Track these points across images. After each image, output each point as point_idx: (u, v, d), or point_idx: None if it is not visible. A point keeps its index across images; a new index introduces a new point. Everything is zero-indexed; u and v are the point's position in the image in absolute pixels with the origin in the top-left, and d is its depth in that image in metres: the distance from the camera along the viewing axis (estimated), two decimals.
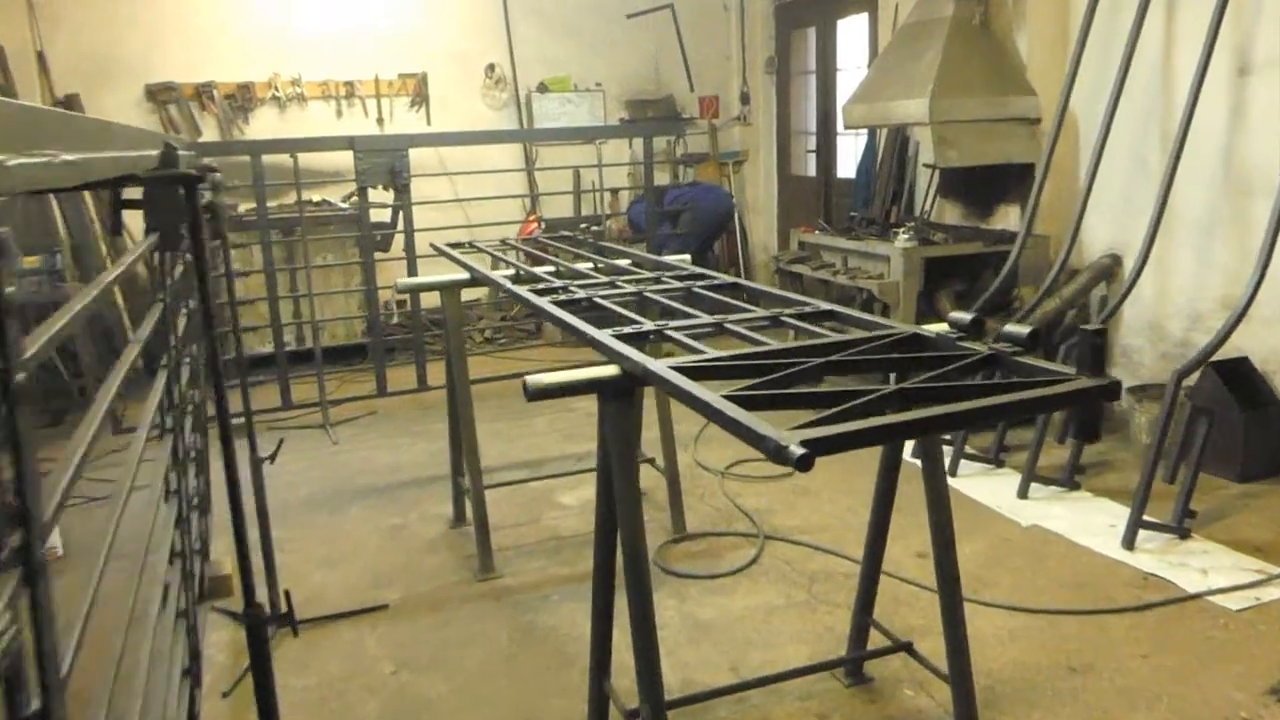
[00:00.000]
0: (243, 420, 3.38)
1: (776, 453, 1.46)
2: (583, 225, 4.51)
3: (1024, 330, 1.89)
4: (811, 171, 8.29)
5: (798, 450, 1.42)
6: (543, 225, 7.50)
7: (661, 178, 8.36)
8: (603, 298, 2.80)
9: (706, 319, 2.42)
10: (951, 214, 6.02)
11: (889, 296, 4.94)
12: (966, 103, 4.97)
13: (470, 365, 3.78)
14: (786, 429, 1.50)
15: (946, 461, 4.46)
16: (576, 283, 3.12)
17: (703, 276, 3.13)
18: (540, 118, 8.15)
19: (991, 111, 5.04)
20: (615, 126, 8.18)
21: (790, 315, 2.43)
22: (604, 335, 2.25)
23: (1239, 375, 4.27)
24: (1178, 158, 4.14)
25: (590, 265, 3.71)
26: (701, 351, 2.09)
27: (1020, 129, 5.15)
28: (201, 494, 3.48)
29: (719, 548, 3.85)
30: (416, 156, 7.19)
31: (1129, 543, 3.62)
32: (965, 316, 2.06)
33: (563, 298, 2.83)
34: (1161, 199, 4.17)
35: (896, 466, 2.60)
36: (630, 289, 2.94)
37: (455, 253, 4.03)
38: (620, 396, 2.09)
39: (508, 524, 4.12)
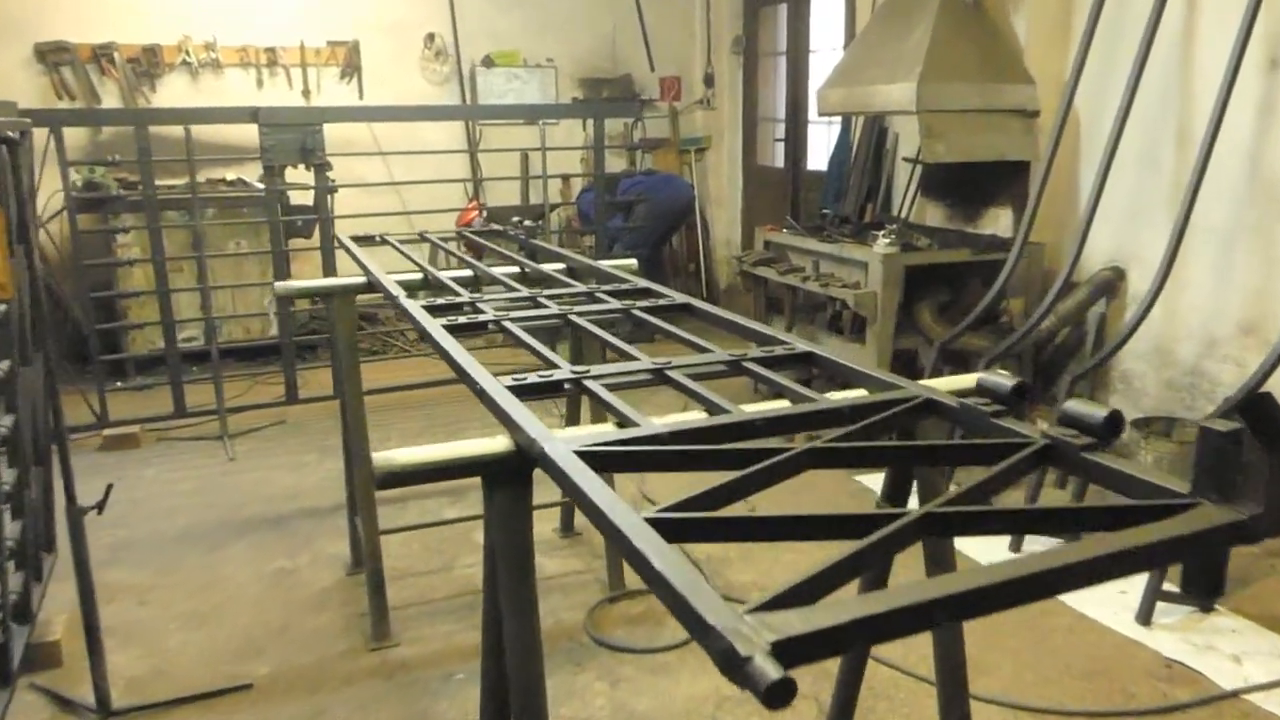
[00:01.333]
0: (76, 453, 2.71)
1: (727, 662, 0.84)
2: (515, 219, 3.86)
3: (1098, 412, 1.29)
4: (779, 162, 7.69)
5: (769, 670, 0.80)
6: (484, 214, 6.83)
7: (617, 164, 7.71)
8: (515, 321, 2.17)
9: (644, 364, 1.79)
10: (934, 215, 5.45)
11: (866, 309, 4.35)
12: (958, 90, 4.39)
13: (397, 368, 3.14)
14: (748, 610, 0.88)
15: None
16: (490, 296, 2.49)
17: (648, 293, 2.50)
18: (485, 94, 7.46)
19: (985, 101, 4.46)
20: (566, 106, 7.51)
21: (756, 360, 1.81)
22: (496, 387, 1.62)
23: (1259, 413, 3.73)
24: (1206, 160, 3.58)
25: (517, 270, 3.07)
26: (630, 422, 1.47)
27: (1015, 122, 4.58)
28: (19, 543, 2.80)
29: (662, 610, 3.22)
30: (348, 134, 6.50)
31: (1145, 617, 3.07)
32: (1003, 381, 1.45)
33: (463, 320, 2.19)
34: (1187, 206, 3.62)
35: None
36: (555, 309, 2.31)
37: (359, 249, 3.35)
38: (511, 482, 1.46)
39: (414, 571, 3.47)
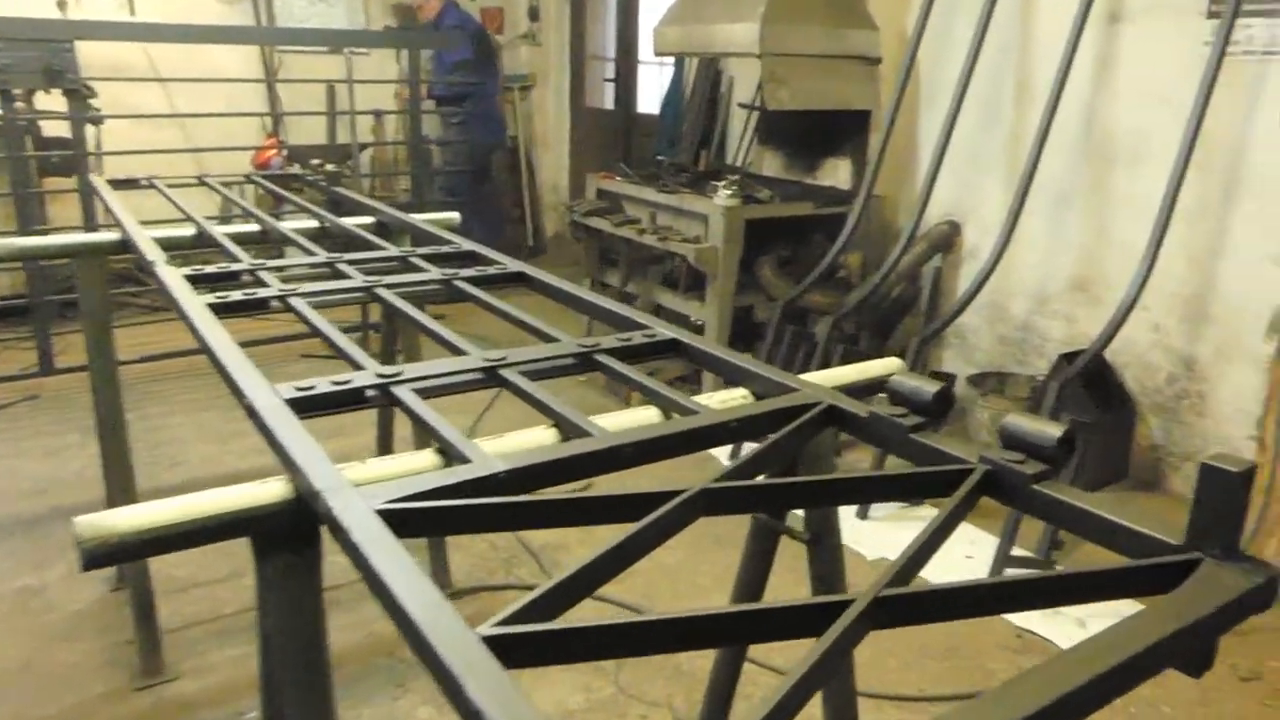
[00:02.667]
0: None
1: None
2: (315, 162, 3.32)
3: (1049, 431, 1.03)
4: (610, 104, 7.31)
5: None
6: (285, 153, 6.10)
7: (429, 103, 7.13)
8: (307, 296, 1.73)
9: (473, 360, 1.41)
10: (771, 165, 5.25)
11: (707, 264, 4.09)
12: (802, 33, 4.14)
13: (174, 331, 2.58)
14: None
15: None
16: (278, 263, 2.01)
17: (474, 258, 2.11)
18: (284, 18, 6.64)
19: (829, 46, 4.24)
20: (376, 33, 6.80)
21: (610, 352, 1.47)
22: (270, 403, 1.20)
23: (1091, 370, 3.77)
24: (1052, 115, 3.50)
25: (315, 225, 2.58)
26: (455, 454, 1.09)
27: (858, 69, 4.40)
28: None
29: (496, 608, 2.87)
30: (119, 56, 5.60)
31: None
32: (922, 385, 1.17)
33: (238, 296, 1.72)
34: (1032, 162, 3.54)
35: (775, 537, 1.67)
36: (359, 280, 1.87)
37: (113, 197, 2.74)
38: (290, 546, 1.06)
39: (196, 581, 2.95)
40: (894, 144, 4.56)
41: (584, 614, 0.74)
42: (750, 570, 1.61)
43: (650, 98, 6.81)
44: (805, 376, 1.39)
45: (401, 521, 0.91)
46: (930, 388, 1.17)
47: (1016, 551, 3.10)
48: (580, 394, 4.74)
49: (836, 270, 4.63)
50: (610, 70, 7.23)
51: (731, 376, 1.41)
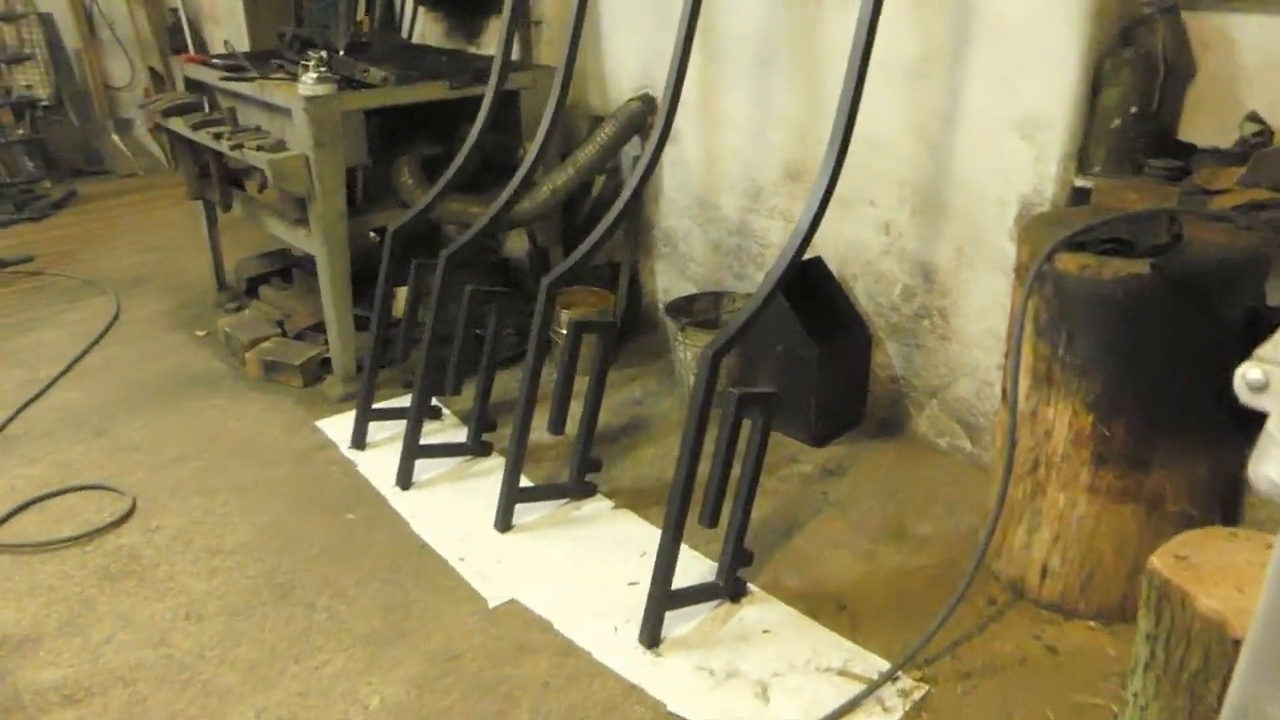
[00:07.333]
0: None
1: None
2: None
3: None
4: None
5: None
6: None
7: None
8: None
9: None
10: (434, 32, 4.02)
11: (292, 181, 2.88)
12: None
13: None
14: None
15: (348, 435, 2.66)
16: None
17: None
18: None
19: None
20: None
21: None
22: None
23: (807, 285, 2.88)
24: None
25: None
26: None
27: None
28: None
29: None
30: None
31: (652, 636, 2.10)
32: None
33: None
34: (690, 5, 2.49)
35: None
36: None
37: None
38: None
39: None
40: None
41: None
42: None
43: None
44: None
45: None
46: None
47: (695, 559, 2.21)
48: (193, 353, 3.58)
49: (515, 167, 3.55)
50: None
51: None
